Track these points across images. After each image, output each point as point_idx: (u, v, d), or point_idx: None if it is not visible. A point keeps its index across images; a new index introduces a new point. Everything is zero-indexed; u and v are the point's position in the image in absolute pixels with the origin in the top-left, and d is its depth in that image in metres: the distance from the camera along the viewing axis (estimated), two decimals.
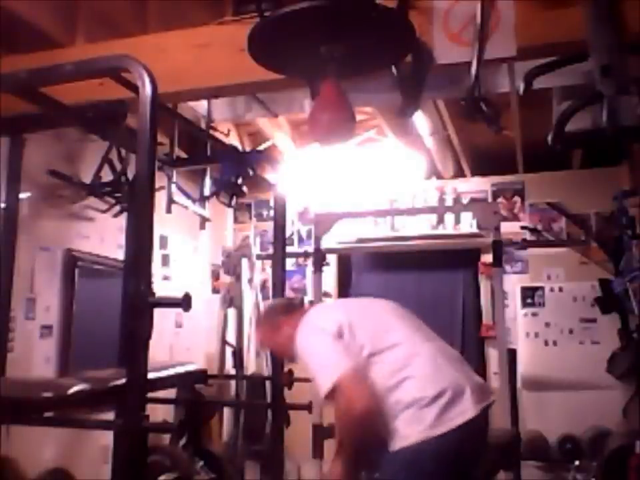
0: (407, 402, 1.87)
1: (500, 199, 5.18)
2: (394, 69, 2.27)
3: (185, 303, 1.71)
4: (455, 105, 3.68)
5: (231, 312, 4.75)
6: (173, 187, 3.95)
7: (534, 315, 4.95)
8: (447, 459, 1.86)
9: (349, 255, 5.70)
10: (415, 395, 1.87)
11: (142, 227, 1.80)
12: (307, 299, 5.42)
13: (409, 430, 1.85)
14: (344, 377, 1.86)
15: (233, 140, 4.61)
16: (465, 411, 1.87)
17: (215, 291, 5.28)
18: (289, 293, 5.04)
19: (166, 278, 4.65)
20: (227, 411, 4.65)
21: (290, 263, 5.29)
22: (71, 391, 2.17)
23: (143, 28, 2.77)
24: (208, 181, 4.22)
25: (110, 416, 2.39)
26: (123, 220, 3.46)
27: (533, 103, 3.32)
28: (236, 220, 5.80)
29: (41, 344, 3.44)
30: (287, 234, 4.23)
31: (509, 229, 4.81)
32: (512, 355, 4.31)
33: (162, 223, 4.15)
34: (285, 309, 2.35)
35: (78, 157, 3.68)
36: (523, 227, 5.05)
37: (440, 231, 5.22)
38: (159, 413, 3.61)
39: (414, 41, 2.11)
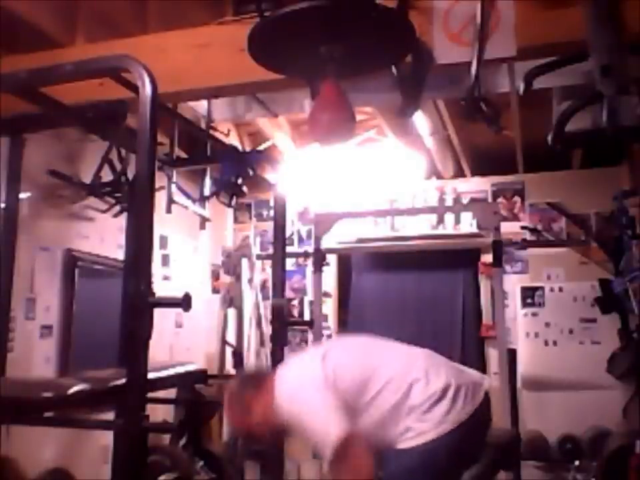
0: (419, 403, 1.89)
1: (500, 199, 5.17)
2: (394, 69, 2.27)
3: (184, 302, 1.72)
4: (455, 105, 3.68)
5: (231, 312, 4.75)
6: (173, 186, 3.95)
7: (534, 315, 4.94)
8: (459, 450, 1.89)
9: (349, 255, 5.70)
10: (424, 394, 1.90)
11: (142, 227, 1.80)
12: (306, 299, 5.44)
13: (424, 427, 1.87)
14: (343, 440, 1.78)
15: (233, 140, 4.61)
16: (473, 398, 1.92)
17: (215, 291, 5.28)
18: (289, 293, 5.05)
19: (166, 278, 4.64)
20: None
21: (290, 263, 5.29)
22: (71, 391, 2.17)
23: (143, 28, 2.77)
24: (208, 181, 4.21)
25: (110, 416, 2.40)
26: (123, 220, 3.46)
27: (533, 102, 3.31)
28: (236, 220, 5.79)
29: (41, 344, 3.44)
30: (287, 234, 4.23)
31: (509, 228, 4.81)
32: (512, 355, 4.31)
33: (162, 223, 4.15)
34: (251, 382, 2.12)
35: (78, 157, 3.68)
36: (523, 227, 5.04)
37: (440, 230, 5.21)
38: (158, 413, 3.61)
39: (414, 41, 2.11)
